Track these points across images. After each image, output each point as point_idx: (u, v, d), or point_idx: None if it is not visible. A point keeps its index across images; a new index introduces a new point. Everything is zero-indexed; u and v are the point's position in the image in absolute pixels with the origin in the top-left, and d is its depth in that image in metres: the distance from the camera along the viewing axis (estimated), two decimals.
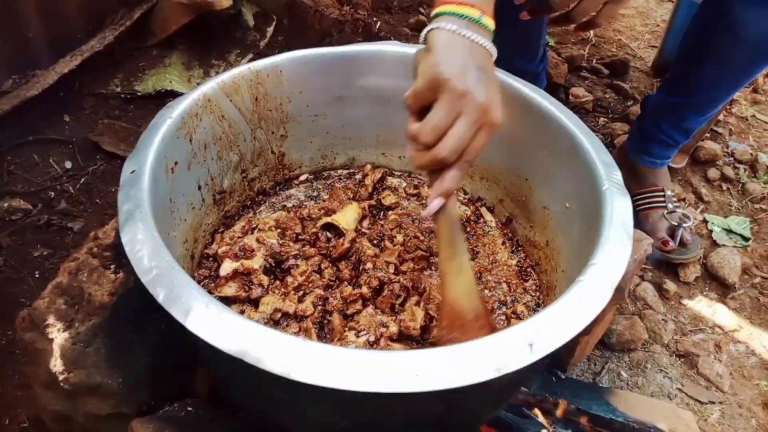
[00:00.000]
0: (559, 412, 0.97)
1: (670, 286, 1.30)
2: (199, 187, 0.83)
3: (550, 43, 2.01)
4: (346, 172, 1.05)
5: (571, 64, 1.95)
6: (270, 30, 1.71)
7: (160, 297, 0.54)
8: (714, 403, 1.10)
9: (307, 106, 0.94)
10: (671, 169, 1.59)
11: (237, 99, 0.84)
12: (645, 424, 0.98)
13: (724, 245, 1.42)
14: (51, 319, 0.77)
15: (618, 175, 0.71)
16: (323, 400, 0.56)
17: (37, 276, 1.15)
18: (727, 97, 1.24)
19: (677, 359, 1.17)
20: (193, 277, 0.81)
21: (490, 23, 0.67)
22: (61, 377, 0.75)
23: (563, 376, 1.03)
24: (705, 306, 1.29)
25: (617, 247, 0.61)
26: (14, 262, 1.16)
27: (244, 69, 0.84)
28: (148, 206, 0.63)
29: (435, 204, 0.66)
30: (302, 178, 1.02)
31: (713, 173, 1.62)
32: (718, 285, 1.34)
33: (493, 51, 0.68)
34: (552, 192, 0.83)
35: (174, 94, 1.51)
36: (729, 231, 1.46)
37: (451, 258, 0.68)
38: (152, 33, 1.56)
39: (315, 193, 1.01)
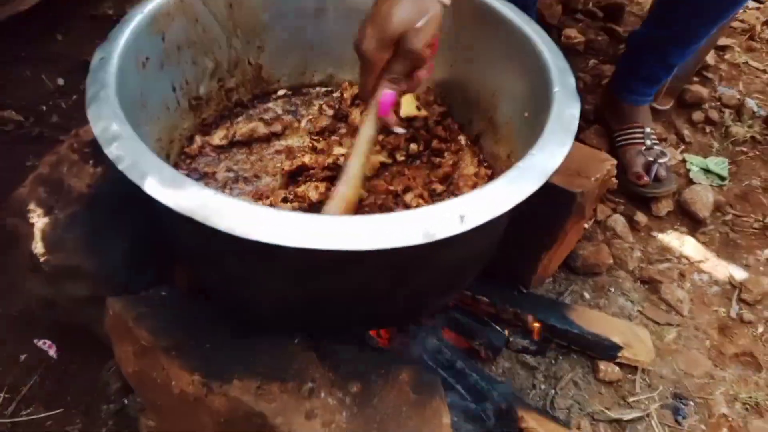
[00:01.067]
0: (516, 321, 1.02)
1: (641, 218, 1.34)
2: (174, 89, 0.86)
3: None
4: (324, 90, 1.08)
5: (567, 5, 1.94)
6: None
7: (121, 163, 0.58)
8: (672, 325, 1.15)
9: (285, 16, 0.96)
10: (657, 111, 1.61)
11: (211, 3, 0.86)
12: (600, 336, 1.03)
13: (700, 183, 1.44)
14: (32, 206, 0.82)
15: (571, 80, 0.73)
16: (270, 265, 0.60)
17: None
18: (709, 29, 1.24)
19: (640, 285, 1.22)
20: None
21: None
22: (42, 259, 0.80)
23: (525, 291, 1.07)
24: (674, 238, 1.32)
25: (555, 140, 0.64)
26: (7, 170, 1.20)
27: None
28: (114, 89, 0.66)
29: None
30: (280, 92, 1.05)
31: (698, 116, 1.63)
32: (689, 220, 1.37)
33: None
34: (515, 104, 0.86)
35: None
36: (706, 171, 1.49)
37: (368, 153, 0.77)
38: None
39: (293, 108, 1.04)
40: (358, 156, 0.76)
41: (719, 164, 1.50)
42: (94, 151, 0.87)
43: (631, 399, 1.01)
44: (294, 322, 0.71)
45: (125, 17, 0.76)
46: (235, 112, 1.01)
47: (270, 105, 1.04)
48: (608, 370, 1.02)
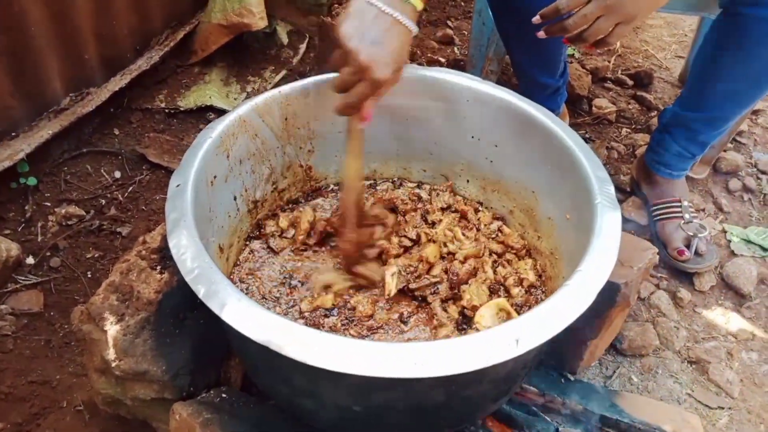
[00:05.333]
0: (567, 412, 1.02)
1: (685, 294, 1.34)
2: (235, 198, 0.92)
3: (574, 54, 2.05)
4: (368, 183, 1.14)
5: (595, 75, 1.99)
6: (302, 47, 1.81)
7: (201, 293, 0.63)
8: (723, 408, 1.14)
9: (331, 123, 1.02)
10: (692, 179, 1.62)
11: (269, 119, 0.94)
12: (650, 425, 1.02)
13: (742, 255, 1.44)
14: (106, 314, 0.88)
15: (611, 189, 0.77)
16: (335, 384, 0.64)
17: (89, 276, 1.27)
18: (740, 112, 1.27)
19: (688, 365, 1.21)
20: (229, 278, 0.91)
21: (417, 2, 0.81)
22: (113, 364, 0.85)
23: (572, 378, 1.08)
24: (719, 315, 1.32)
25: (603, 255, 0.67)
26: (70, 263, 1.28)
27: (275, 92, 0.93)
28: (191, 215, 0.72)
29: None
30: (328, 188, 1.11)
31: (734, 184, 1.64)
32: (733, 294, 1.37)
33: (410, 25, 0.81)
34: (555, 204, 0.90)
35: (213, 109, 1.62)
36: (748, 241, 1.49)
37: (357, 162, 0.90)
38: (194, 52, 1.69)
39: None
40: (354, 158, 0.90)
41: (760, 234, 1.50)
42: (161, 257, 0.93)
43: None
44: (353, 429, 0.74)
45: (195, 142, 0.83)
46: (286, 209, 1.07)
47: (319, 201, 1.10)
48: None
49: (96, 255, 1.31)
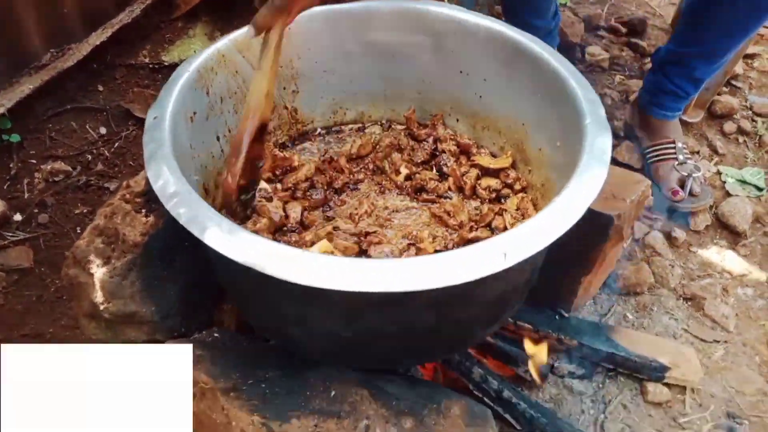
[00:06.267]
0: (562, 348, 1.02)
1: (680, 234, 1.33)
2: (218, 138, 0.90)
3: (566, 3, 2.01)
4: (356, 127, 1.12)
5: (589, 23, 1.95)
6: None
7: (182, 218, 0.62)
8: (719, 342, 1.14)
9: (315, 62, 1.00)
10: (687, 123, 1.60)
11: (249, 55, 0.91)
12: (647, 358, 1.03)
13: (737, 195, 1.43)
14: (91, 257, 0.86)
15: (601, 111, 0.75)
16: (322, 307, 0.63)
17: (78, 231, 1.25)
18: (736, 45, 1.24)
19: (684, 302, 1.21)
20: None
21: None
22: (101, 307, 0.85)
23: (567, 315, 1.08)
24: (714, 253, 1.31)
25: (591, 174, 0.66)
26: (58, 218, 1.26)
27: None
28: (170, 146, 0.70)
29: None
30: (315, 132, 1.09)
31: (729, 126, 1.62)
32: (728, 233, 1.36)
33: None
34: (545, 134, 0.88)
35: None
36: (743, 182, 1.47)
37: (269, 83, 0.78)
38: (177, 6, 1.64)
39: (328, 147, 1.07)
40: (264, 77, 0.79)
41: (755, 175, 1.49)
42: (145, 200, 0.91)
43: (682, 420, 1.00)
44: (344, 358, 0.73)
45: (172, 76, 0.81)
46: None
47: (306, 145, 1.08)
48: (657, 391, 1.02)
49: (84, 210, 1.29)
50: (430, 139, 1.03)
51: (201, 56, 0.85)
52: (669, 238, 1.33)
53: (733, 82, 1.76)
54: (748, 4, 1.13)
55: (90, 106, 1.46)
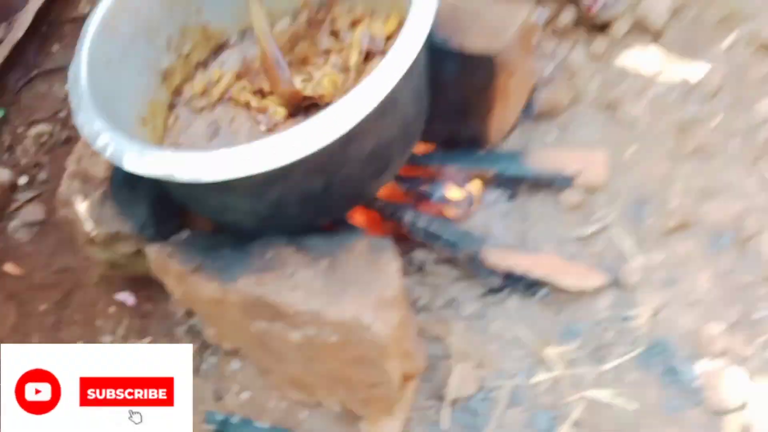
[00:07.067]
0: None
1: (600, 46, 1.40)
2: (140, 73, 1.05)
3: None
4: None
5: None
6: None
7: (107, 153, 0.79)
8: (632, 140, 1.26)
9: None
10: None
11: None
12: (553, 171, 1.17)
13: None
14: (74, 196, 1.07)
15: None
16: (228, 193, 0.81)
17: None
18: None
19: (602, 111, 1.32)
20: (160, 144, 1.07)
21: None
22: (93, 233, 1.06)
23: (482, 152, 1.22)
24: (633, 57, 1.38)
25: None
26: (55, 173, 1.47)
27: None
28: (89, 97, 0.86)
29: None
30: (231, 42, 1.21)
31: None
32: (649, 35, 1.42)
33: None
34: None
35: None
36: None
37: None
38: None
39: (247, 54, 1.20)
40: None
41: None
42: None
43: (593, 216, 1.16)
44: (268, 228, 0.92)
45: (82, 32, 0.94)
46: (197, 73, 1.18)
47: (224, 55, 1.20)
48: (569, 198, 1.17)
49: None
50: (327, 21, 1.13)
51: (104, 6, 0.98)
52: (589, 52, 1.39)
53: None
54: None
55: (52, 68, 1.61)
